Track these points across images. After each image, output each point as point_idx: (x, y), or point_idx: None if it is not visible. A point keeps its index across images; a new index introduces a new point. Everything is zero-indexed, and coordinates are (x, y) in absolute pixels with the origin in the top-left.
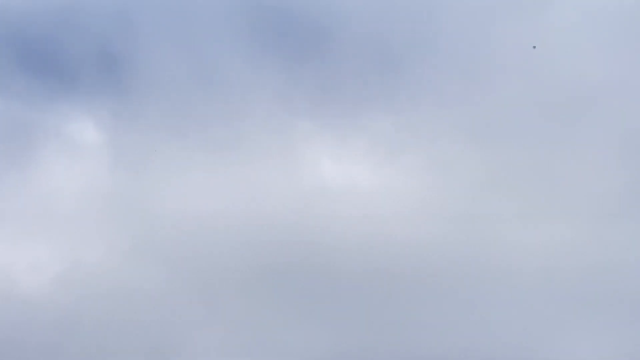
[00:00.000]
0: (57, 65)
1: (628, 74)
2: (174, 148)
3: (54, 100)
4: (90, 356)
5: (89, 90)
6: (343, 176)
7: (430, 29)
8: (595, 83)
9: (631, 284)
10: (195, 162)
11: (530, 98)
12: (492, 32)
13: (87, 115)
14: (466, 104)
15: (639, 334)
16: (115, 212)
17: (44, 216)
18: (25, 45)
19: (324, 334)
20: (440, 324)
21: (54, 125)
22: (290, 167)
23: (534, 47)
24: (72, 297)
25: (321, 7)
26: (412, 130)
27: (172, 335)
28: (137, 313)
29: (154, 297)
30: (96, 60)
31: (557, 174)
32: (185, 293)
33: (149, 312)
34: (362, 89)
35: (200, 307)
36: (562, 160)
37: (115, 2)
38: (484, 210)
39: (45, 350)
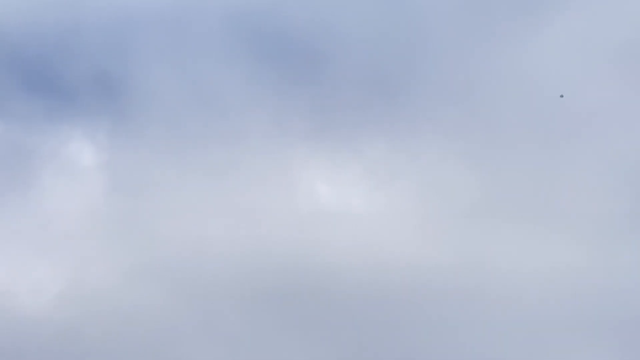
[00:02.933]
0: (55, 87)
1: (626, 95)
2: (172, 170)
3: (53, 122)
4: None
5: (87, 111)
6: (338, 200)
7: (426, 54)
8: (594, 106)
9: (633, 309)
10: (193, 183)
11: (527, 123)
12: (488, 57)
13: (86, 136)
14: (463, 129)
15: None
16: (115, 233)
17: (44, 237)
18: (24, 67)
19: (320, 354)
20: (437, 348)
21: (53, 147)
22: (286, 191)
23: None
24: (72, 317)
25: (318, 32)
26: (408, 155)
27: (172, 353)
28: (137, 332)
29: (153, 317)
30: (95, 82)
31: (556, 198)
32: (184, 313)
33: (149, 331)
34: (358, 113)
35: (199, 326)
36: (561, 184)
37: (114, 24)
38: (480, 235)
39: None
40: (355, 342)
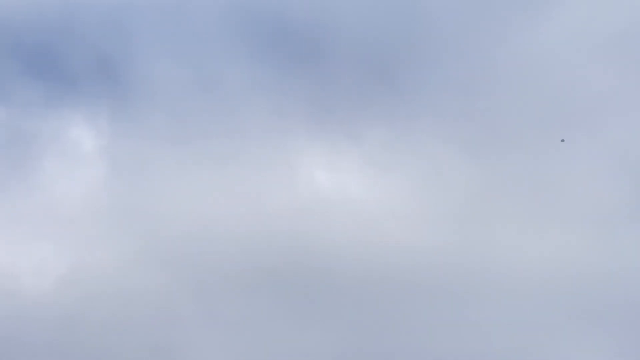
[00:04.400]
0: (57, 72)
1: (627, 83)
2: (172, 154)
3: (54, 107)
4: (93, 356)
5: (88, 97)
6: (338, 187)
7: (426, 41)
8: (593, 97)
9: (631, 292)
10: (193, 168)
11: (527, 109)
12: (488, 43)
13: (88, 121)
14: (462, 118)
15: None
16: (116, 217)
17: (46, 220)
18: (25, 53)
19: (320, 337)
20: (435, 330)
21: (55, 131)
22: (286, 177)
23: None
24: (74, 299)
25: (318, 21)
26: (408, 143)
27: (173, 337)
28: (139, 314)
29: (155, 299)
30: (95, 68)
31: (555, 183)
32: (186, 296)
33: (150, 313)
34: (358, 102)
35: (200, 309)
36: (561, 170)
37: (115, 10)
38: (480, 219)
39: (48, 350)
40: (353, 325)
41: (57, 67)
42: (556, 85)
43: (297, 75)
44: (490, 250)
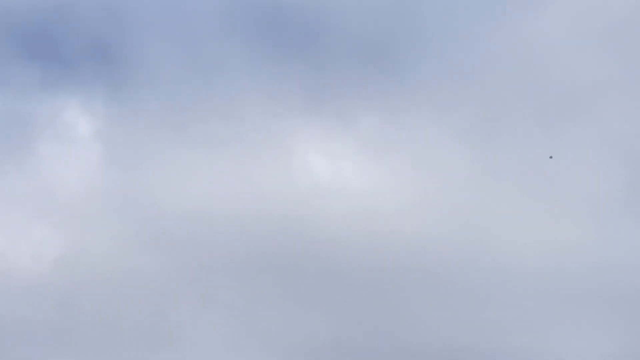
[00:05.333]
0: (52, 55)
1: (623, 71)
2: (168, 137)
3: (50, 90)
4: (90, 339)
5: (84, 80)
6: (333, 172)
7: (422, 27)
8: (591, 82)
9: (629, 282)
10: (189, 152)
11: (524, 95)
12: (485, 30)
13: (84, 104)
14: (458, 102)
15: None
16: (112, 200)
17: (42, 203)
18: (21, 36)
19: (317, 320)
20: (433, 315)
21: (51, 115)
22: (281, 162)
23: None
24: (71, 281)
25: (314, 5)
26: (403, 128)
27: (170, 319)
28: (135, 296)
29: (151, 282)
30: (92, 51)
31: (553, 171)
32: (183, 278)
33: (147, 296)
34: (354, 86)
35: (197, 294)
36: (559, 157)
37: None
38: (476, 206)
39: (45, 332)
40: (350, 308)
41: (53, 50)
42: (552, 72)
43: (293, 60)
44: (486, 237)
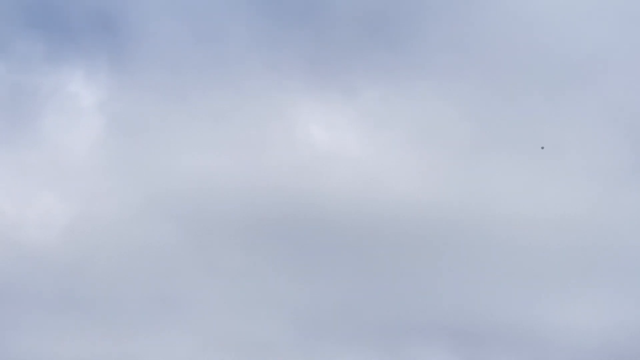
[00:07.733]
0: (56, 27)
1: (623, 38)
2: (171, 108)
3: (55, 61)
4: (97, 307)
5: (89, 50)
6: (334, 141)
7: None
8: (590, 47)
9: (631, 254)
10: (191, 122)
11: (527, 67)
12: (487, 1)
13: (88, 75)
14: (459, 73)
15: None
16: (118, 169)
17: (49, 172)
18: (25, 7)
19: (319, 288)
20: (434, 281)
21: (56, 84)
22: (283, 132)
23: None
24: (78, 250)
25: None
26: (404, 98)
27: (175, 288)
28: (141, 266)
29: (157, 249)
30: (95, 22)
31: (552, 138)
32: (187, 247)
33: (152, 264)
34: (355, 57)
35: (201, 261)
36: (559, 130)
37: None
38: (477, 174)
39: (52, 301)
40: (352, 276)
41: (57, 22)
42: (553, 40)
43: (295, 30)
44: (487, 204)
